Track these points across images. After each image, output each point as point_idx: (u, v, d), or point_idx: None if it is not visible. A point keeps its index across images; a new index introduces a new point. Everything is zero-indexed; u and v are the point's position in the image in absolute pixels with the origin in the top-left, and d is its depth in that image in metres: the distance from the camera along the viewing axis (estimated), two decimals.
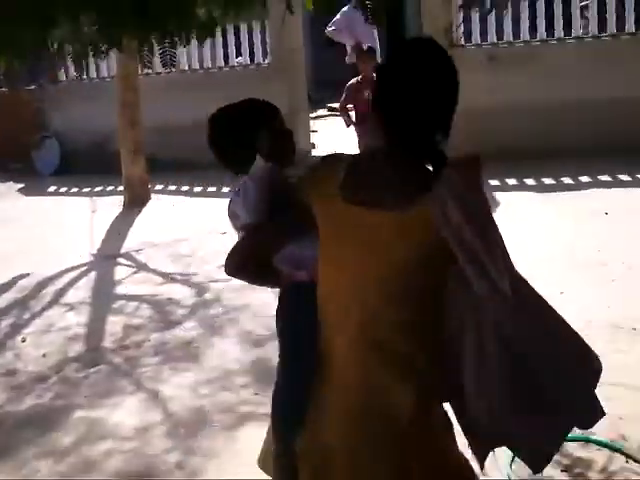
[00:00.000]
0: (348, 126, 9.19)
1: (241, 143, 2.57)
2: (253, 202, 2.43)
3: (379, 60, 12.36)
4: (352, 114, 9.17)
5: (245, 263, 2.44)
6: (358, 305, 2.17)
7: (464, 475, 2.29)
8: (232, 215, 2.54)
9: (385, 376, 2.18)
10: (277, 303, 2.53)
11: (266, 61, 11.96)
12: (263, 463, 2.67)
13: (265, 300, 6.46)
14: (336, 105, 10.41)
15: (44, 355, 5.70)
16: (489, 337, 2.03)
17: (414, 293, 2.14)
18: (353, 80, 9.19)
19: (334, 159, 2.27)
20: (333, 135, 12.25)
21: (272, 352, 5.44)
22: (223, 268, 2.44)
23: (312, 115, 13.23)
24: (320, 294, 2.28)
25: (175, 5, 3.91)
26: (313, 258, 2.28)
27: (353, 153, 2.27)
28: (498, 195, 8.89)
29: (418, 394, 2.16)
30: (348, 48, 12.42)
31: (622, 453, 3.77)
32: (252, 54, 12.12)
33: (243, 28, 11.94)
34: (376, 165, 2.17)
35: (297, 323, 2.40)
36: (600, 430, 3.96)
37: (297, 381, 2.34)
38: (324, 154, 2.27)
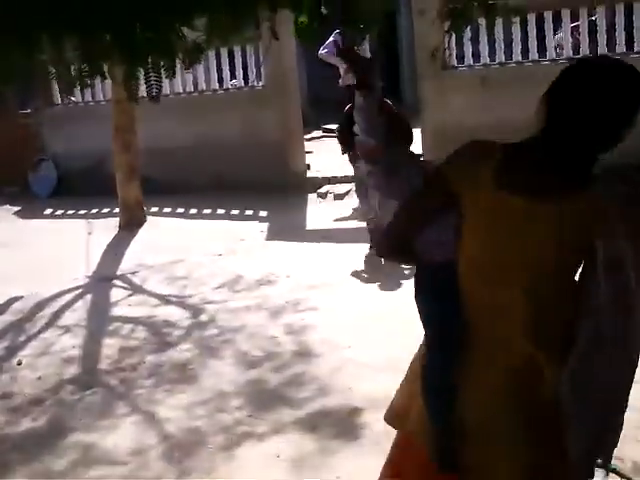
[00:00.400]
0: (343, 153, 8.51)
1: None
2: (365, 129, 2.72)
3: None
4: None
5: (395, 244, 2.56)
6: (504, 289, 2.25)
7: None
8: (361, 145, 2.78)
9: (533, 358, 2.25)
10: (414, 283, 2.63)
11: (260, 83, 12.03)
12: (393, 420, 2.71)
13: (260, 321, 6.50)
14: (330, 127, 10.26)
15: (40, 378, 5.70)
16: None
17: (556, 283, 2.24)
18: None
19: (483, 146, 2.32)
20: (328, 156, 12.31)
21: (267, 373, 5.49)
22: (376, 251, 2.61)
23: (307, 136, 13.28)
24: (463, 276, 2.35)
25: (159, 35, 3.93)
26: (454, 240, 2.37)
27: (502, 142, 2.31)
28: None
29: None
30: (341, 70, 12.47)
31: (617, 473, 3.77)
32: (246, 77, 12.19)
33: (237, 51, 12.01)
34: (533, 156, 2.24)
35: (438, 303, 2.49)
36: None
37: (443, 360, 2.43)
38: (469, 140, 2.33)
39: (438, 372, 2.42)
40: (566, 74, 2.20)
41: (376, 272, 7.28)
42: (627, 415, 4.42)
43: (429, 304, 2.54)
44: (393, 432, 3.51)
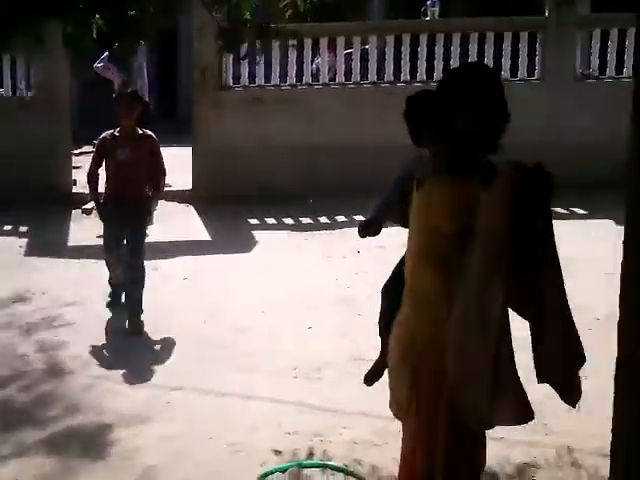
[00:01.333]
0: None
1: None
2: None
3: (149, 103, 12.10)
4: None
5: None
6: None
7: None
8: None
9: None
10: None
11: (29, 94, 11.54)
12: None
13: (10, 340, 6.23)
14: None
15: None
16: None
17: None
18: (106, 134, 6.74)
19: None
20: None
21: (14, 393, 5.22)
22: None
23: (76, 151, 12.83)
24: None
25: None
26: None
27: None
28: (257, 234, 9.00)
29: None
30: (116, 85, 12.26)
31: (353, 475, 3.76)
32: (15, 86, 11.65)
33: (5, 60, 11.46)
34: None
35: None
36: (337, 456, 4.09)
37: (392, 303, 3.64)
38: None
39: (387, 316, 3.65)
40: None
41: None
42: (365, 421, 4.58)
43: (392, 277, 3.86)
44: (144, 447, 3.48)
